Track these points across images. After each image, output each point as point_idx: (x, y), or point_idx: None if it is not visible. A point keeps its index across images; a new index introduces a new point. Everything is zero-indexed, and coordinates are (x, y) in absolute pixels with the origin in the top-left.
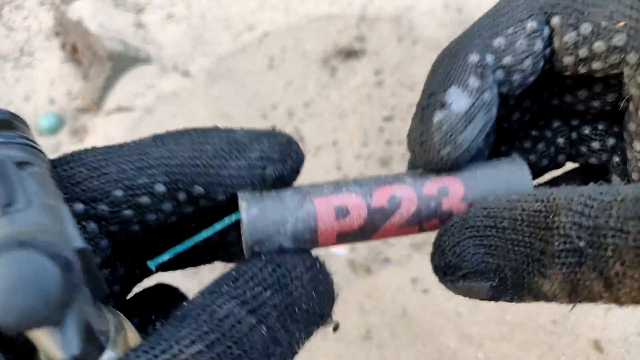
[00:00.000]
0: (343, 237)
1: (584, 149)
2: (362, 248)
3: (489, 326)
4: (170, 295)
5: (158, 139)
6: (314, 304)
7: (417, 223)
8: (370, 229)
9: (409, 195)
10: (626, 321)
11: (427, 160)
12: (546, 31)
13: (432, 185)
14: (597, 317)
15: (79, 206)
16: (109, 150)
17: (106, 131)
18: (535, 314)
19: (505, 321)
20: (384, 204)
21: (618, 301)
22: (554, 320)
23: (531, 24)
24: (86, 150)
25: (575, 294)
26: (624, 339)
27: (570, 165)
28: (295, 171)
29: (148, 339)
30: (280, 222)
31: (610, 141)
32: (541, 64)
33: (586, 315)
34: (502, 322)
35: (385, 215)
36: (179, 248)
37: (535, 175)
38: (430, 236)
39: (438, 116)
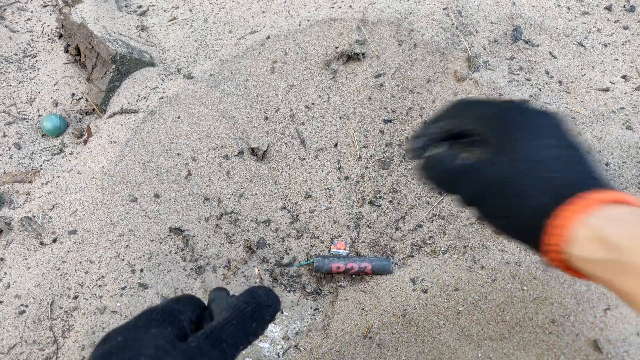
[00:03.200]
0: (337, 272)
1: None
2: (363, 248)
3: (488, 325)
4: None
5: None
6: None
7: (358, 272)
8: (344, 272)
9: (355, 266)
10: (625, 321)
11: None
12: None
13: (364, 264)
14: (596, 317)
15: None
16: None
17: (110, 133)
18: (534, 313)
19: (505, 320)
20: (348, 266)
21: None
22: (552, 320)
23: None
24: None
25: None
26: (623, 338)
27: None
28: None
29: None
30: (322, 266)
31: None
32: None
33: (585, 315)
34: (502, 321)
35: (349, 269)
36: (297, 264)
37: None
38: (431, 238)
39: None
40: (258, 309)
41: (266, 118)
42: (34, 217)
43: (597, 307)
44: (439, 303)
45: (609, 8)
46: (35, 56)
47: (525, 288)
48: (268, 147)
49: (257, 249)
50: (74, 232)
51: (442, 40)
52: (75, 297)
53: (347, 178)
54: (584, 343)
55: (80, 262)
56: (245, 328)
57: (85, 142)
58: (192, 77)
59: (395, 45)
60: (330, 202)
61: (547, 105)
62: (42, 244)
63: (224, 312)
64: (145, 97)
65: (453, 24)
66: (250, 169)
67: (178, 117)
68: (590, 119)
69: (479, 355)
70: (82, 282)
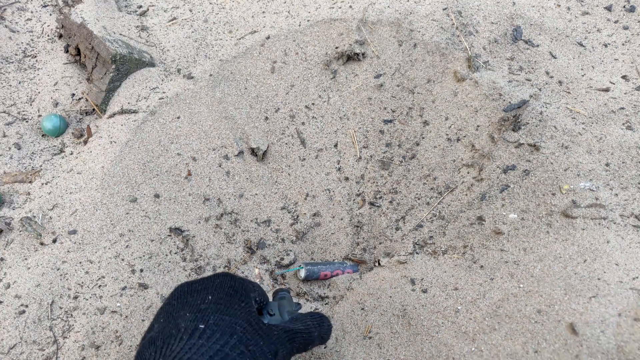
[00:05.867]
0: (325, 278)
1: None
2: (362, 249)
3: (483, 321)
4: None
5: None
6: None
7: (339, 274)
8: (330, 277)
9: (339, 271)
10: (609, 305)
11: None
12: None
13: (348, 269)
14: (579, 304)
15: None
16: None
17: (110, 133)
18: (523, 305)
19: (497, 314)
20: (334, 272)
21: None
22: (539, 310)
23: None
24: None
25: None
26: (602, 319)
27: None
28: None
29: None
30: (312, 274)
31: None
32: None
33: (569, 303)
34: (494, 315)
35: (332, 275)
36: (282, 271)
37: None
38: (431, 238)
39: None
40: (325, 332)
41: (266, 118)
42: (34, 217)
43: (583, 296)
44: (438, 302)
45: (609, 8)
46: (35, 56)
47: (521, 285)
48: (268, 147)
49: (257, 249)
50: (74, 232)
51: (442, 40)
52: (75, 297)
53: (347, 179)
54: (564, 328)
55: (80, 262)
56: (307, 340)
57: (85, 142)
58: (192, 77)
59: (395, 45)
60: (331, 203)
61: (547, 105)
62: (42, 244)
63: (299, 323)
64: (145, 97)
65: (453, 24)
66: (250, 169)
67: (178, 117)
68: (590, 119)
69: (472, 349)
70: (82, 282)
